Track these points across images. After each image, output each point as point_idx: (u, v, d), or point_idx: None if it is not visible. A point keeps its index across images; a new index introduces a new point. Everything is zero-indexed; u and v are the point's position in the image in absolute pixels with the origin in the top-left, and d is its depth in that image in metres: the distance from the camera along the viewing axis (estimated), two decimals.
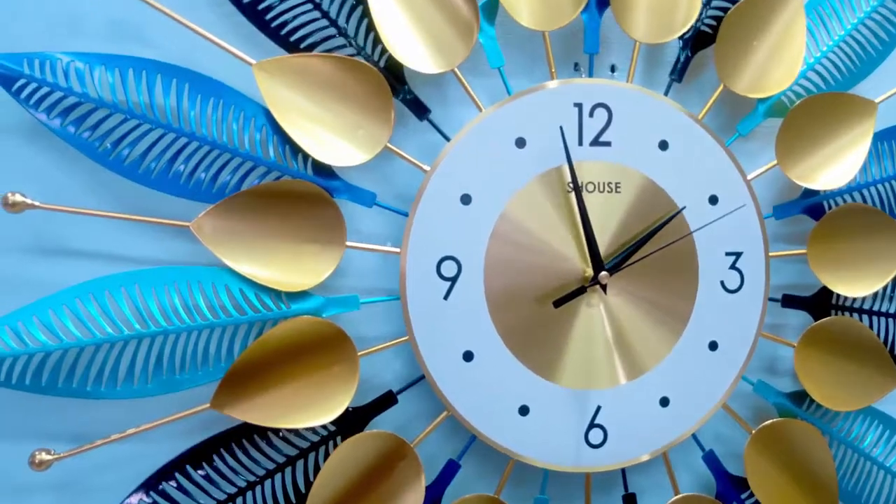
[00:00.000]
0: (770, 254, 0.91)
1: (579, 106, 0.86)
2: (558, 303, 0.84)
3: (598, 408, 0.87)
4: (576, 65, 0.92)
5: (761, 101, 0.93)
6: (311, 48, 0.81)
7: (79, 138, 0.74)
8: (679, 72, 0.91)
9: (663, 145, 0.88)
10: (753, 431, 0.92)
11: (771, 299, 0.94)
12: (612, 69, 0.93)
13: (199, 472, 0.78)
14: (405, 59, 0.81)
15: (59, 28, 0.78)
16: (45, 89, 0.73)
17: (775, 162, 0.92)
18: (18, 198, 0.72)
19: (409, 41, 0.81)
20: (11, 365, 0.71)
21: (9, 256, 0.77)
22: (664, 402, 0.89)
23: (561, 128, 0.84)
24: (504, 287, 0.84)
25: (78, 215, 0.75)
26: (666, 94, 0.91)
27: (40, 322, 0.72)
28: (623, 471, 0.90)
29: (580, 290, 0.84)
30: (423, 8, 0.82)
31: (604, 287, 0.84)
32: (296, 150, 0.80)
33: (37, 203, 0.73)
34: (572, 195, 0.85)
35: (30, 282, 0.77)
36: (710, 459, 0.92)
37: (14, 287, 0.76)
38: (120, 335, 0.74)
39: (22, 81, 0.72)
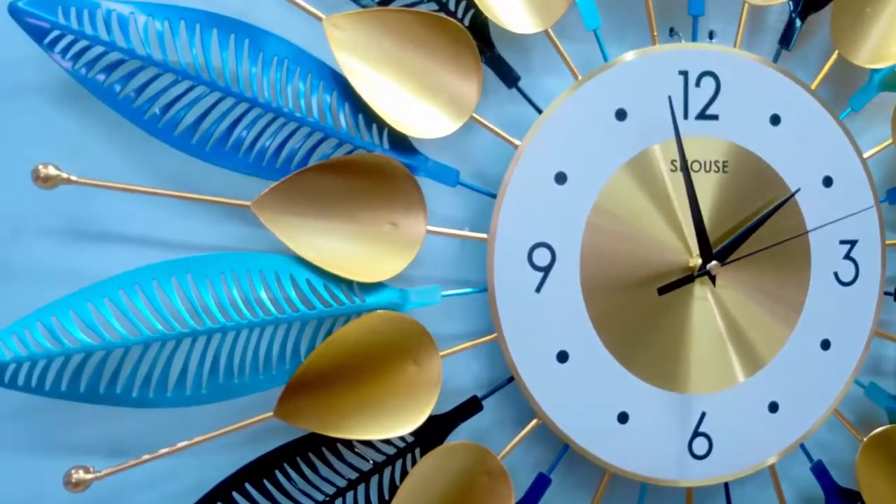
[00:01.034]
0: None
1: (685, 74, 0.76)
2: (663, 290, 0.74)
3: (703, 414, 0.77)
4: (671, 30, 0.82)
5: (875, 71, 0.84)
6: (387, 2, 0.71)
7: (123, 101, 0.62)
8: (787, 38, 0.82)
9: (774, 120, 0.78)
10: (865, 439, 0.83)
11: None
12: (711, 35, 0.83)
13: (259, 491, 0.67)
14: (496, 15, 0.70)
15: None
16: (83, 42, 0.61)
17: (890, 141, 0.84)
18: (52, 170, 0.61)
19: None
20: (45, 368, 0.60)
21: (40, 240, 0.65)
22: (773, 407, 0.79)
23: (669, 98, 0.74)
24: (602, 278, 0.74)
25: (120, 192, 0.64)
26: (774, 61, 0.82)
27: (78, 317, 0.61)
28: (726, 485, 0.81)
29: (689, 279, 0.75)
30: None
31: (713, 278, 0.75)
32: (370, 119, 0.69)
33: (73, 177, 0.62)
34: (677, 175, 0.76)
35: (65, 270, 0.65)
36: (820, 471, 0.83)
37: (47, 276, 0.65)
38: (171, 333, 0.63)
39: (56, 33, 0.61)
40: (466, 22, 0.72)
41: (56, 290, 0.63)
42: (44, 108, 0.65)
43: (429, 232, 0.70)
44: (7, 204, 0.65)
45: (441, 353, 0.70)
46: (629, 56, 0.74)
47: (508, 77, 0.73)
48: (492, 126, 0.72)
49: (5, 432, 0.65)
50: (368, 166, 0.67)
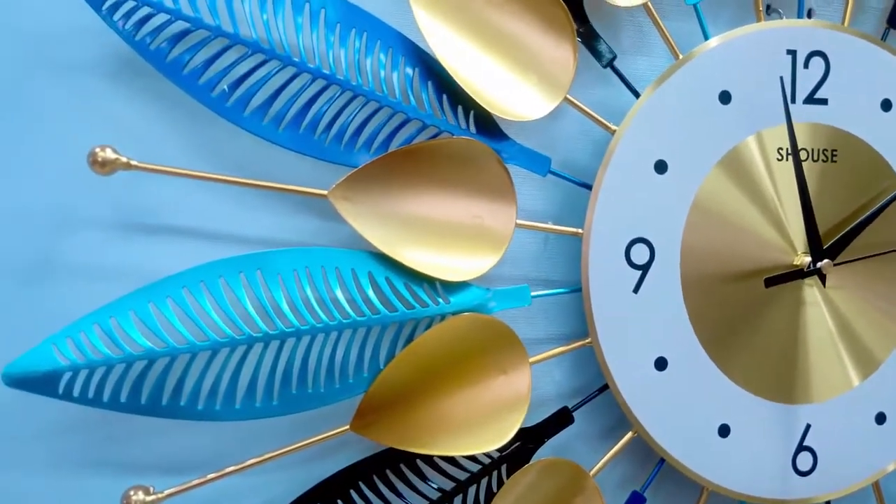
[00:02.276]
0: None
1: (793, 54, 0.69)
2: (771, 281, 0.68)
3: (808, 427, 0.71)
4: (768, 7, 0.75)
5: None
6: None
7: (188, 76, 0.56)
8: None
9: (886, 105, 0.72)
10: None
11: None
12: (809, 14, 0.76)
13: None
14: None
15: None
16: (145, 9, 0.54)
17: None
18: (110, 154, 0.54)
19: None
20: (103, 377, 0.53)
21: (92, 231, 0.58)
22: (880, 418, 0.73)
23: (781, 79, 0.67)
24: (703, 278, 0.67)
25: (182, 179, 0.57)
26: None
27: (139, 320, 0.54)
28: (828, 503, 0.75)
29: (798, 273, 0.68)
30: None
31: (823, 277, 0.69)
32: (455, 99, 0.62)
33: (133, 161, 0.55)
34: (782, 164, 0.69)
35: (120, 266, 0.58)
36: None
37: (99, 272, 0.58)
38: (241, 337, 0.56)
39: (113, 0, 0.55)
40: None
41: (110, 287, 0.56)
42: (98, 85, 0.58)
43: (522, 226, 0.64)
44: (56, 191, 0.58)
45: (530, 360, 0.64)
46: (733, 34, 0.68)
47: (603, 56, 0.67)
48: (587, 109, 0.66)
49: (56, 449, 0.58)
50: (455, 152, 0.61)
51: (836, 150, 0.71)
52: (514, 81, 0.62)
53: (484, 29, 0.61)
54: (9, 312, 0.57)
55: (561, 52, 0.63)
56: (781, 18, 0.73)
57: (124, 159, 0.55)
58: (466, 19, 0.61)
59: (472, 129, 0.63)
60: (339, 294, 0.59)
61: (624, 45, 0.71)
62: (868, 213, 0.70)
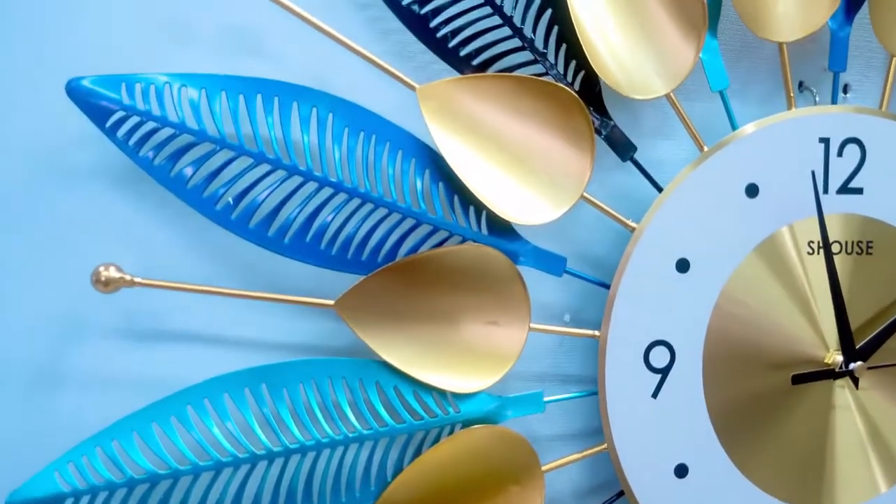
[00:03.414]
0: None
1: (825, 142, 0.66)
2: (798, 378, 0.65)
3: None
4: (801, 84, 0.72)
5: None
6: (485, 66, 0.61)
7: (192, 191, 0.55)
8: None
9: None
10: None
11: None
12: (846, 89, 0.72)
13: None
14: (612, 77, 0.61)
15: (161, 35, 0.58)
16: (150, 124, 0.53)
17: None
18: (113, 272, 0.53)
19: (620, 54, 0.61)
20: (106, 501, 0.52)
21: (97, 341, 0.57)
22: None
23: (813, 173, 0.64)
24: (727, 381, 0.64)
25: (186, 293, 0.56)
26: None
27: (142, 441, 0.53)
28: None
29: (828, 373, 0.65)
30: (648, 9, 0.61)
31: (856, 380, 0.66)
32: (467, 201, 0.60)
33: (137, 279, 0.54)
34: (814, 258, 0.66)
35: (125, 375, 0.58)
36: None
37: (104, 382, 0.57)
38: (245, 455, 0.55)
39: (119, 115, 0.53)
40: (577, 86, 0.63)
41: (118, 396, 0.56)
42: (102, 194, 0.57)
43: (536, 330, 0.62)
44: (60, 300, 0.57)
45: (544, 468, 0.62)
46: (762, 123, 0.65)
47: (623, 148, 0.65)
48: (604, 206, 0.63)
49: None
50: (466, 259, 0.59)
51: (871, 242, 0.67)
52: (526, 185, 0.59)
53: (497, 136, 0.59)
54: (17, 422, 0.57)
55: (578, 152, 0.60)
56: (814, 97, 0.70)
57: (128, 277, 0.54)
58: (480, 132, 0.59)
59: (485, 230, 0.61)
60: (346, 406, 0.58)
61: (646, 128, 0.68)
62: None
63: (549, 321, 0.67)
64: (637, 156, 0.65)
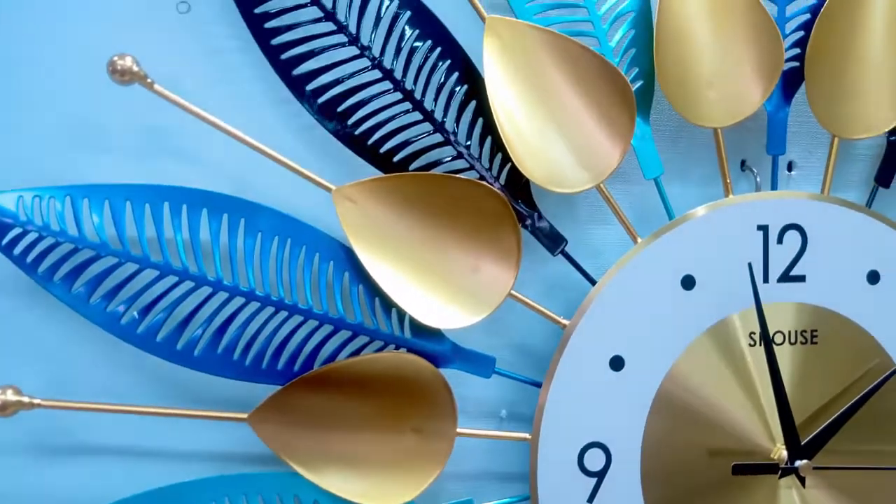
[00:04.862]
0: None
1: (764, 229, 0.64)
2: (740, 469, 0.62)
3: None
4: (743, 163, 0.70)
5: None
6: (406, 163, 0.59)
7: (95, 307, 0.53)
8: (886, 175, 0.68)
9: (873, 277, 0.66)
10: None
11: None
12: (790, 167, 0.70)
13: None
14: (536, 174, 0.58)
15: (74, 140, 0.56)
16: (48, 240, 0.52)
17: None
18: (11, 396, 0.52)
19: (544, 148, 0.59)
20: None
21: (3, 463, 0.55)
22: None
23: (749, 265, 0.62)
24: (668, 478, 0.61)
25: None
26: (869, 204, 0.69)
27: None
28: None
29: (772, 467, 0.62)
30: (562, 101, 0.59)
31: (802, 479, 0.63)
32: (388, 304, 0.59)
33: (37, 401, 0.52)
34: (755, 350, 0.64)
35: (35, 495, 0.56)
36: None
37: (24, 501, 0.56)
38: None
39: (15, 231, 0.51)
40: (503, 179, 0.61)
41: None
42: (2, 305, 0.55)
43: (463, 435, 0.60)
44: None
45: None
46: (698, 211, 0.62)
47: (553, 242, 0.62)
48: (533, 304, 0.61)
49: None
50: (386, 366, 0.57)
51: (815, 331, 0.65)
52: (447, 290, 0.57)
53: (416, 238, 0.57)
54: None
55: (502, 252, 0.58)
56: (756, 178, 0.68)
57: (26, 400, 0.51)
58: (397, 234, 0.56)
59: (408, 333, 0.59)
60: None
61: (582, 214, 0.66)
62: (853, 401, 0.64)
63: (485, 417, 0.65)
64: (574, 242, 0.64)
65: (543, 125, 0.59)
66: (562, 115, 0.59)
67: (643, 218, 0.66)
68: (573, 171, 0.59)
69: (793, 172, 0.71)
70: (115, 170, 0.57)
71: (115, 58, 0.52)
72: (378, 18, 0.57)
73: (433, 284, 0.57)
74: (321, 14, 0.57)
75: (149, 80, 0.52)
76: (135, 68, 0.52)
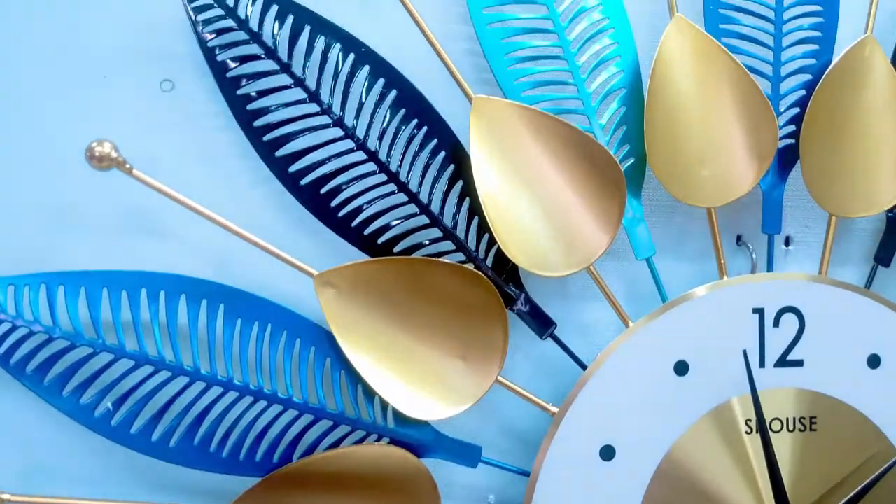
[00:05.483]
0: None
1: (760, 312, 0.62)
2: None
3: None
4: (739, 238, 0.68)
5: None
6: (390, 246, 0.58)
7: (67, 399, 0.51)
8: (886, 254, 0.67)
9: (873, 361, 0.64)
10: None
11: None
12: (787, 242, 0.68)
13: None
14: (523, 258, 0.57)
15: (54, 217, 0.56)
16: (22, 329, 0.50)
17: None
18: None
19: (528, 232, 0.58)
20: None
21: None
22: None
23: (745, 353, 0.61)
24: None
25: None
26: (868, 285, 0.67)
27: None
28: None
29: None
30: (548, 184, 0.58)
31: None
32: (371, 392, 0.57)
33: (5, 496, 0.51)
34: (752, 438, 0.62)
35: None
36: None
37: None
38: None
39: None
40: (489, 261, 0.60)
41: None
42: None
43: None
44: None
45: None
46: (691, 294, 0.61)
47: (541, 325, 0.61)
48: (521, 390, 0.59)
49: None
50: (367, 459, 0.55)
51: (814, 418, 0.62)
52: (431, 380, 0.56)
53: (398, 326, 0.55)
54: None
55: (489, 339, 0.56)
56: (752, 254, 0.67)
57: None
58: (378, 321, 0.55)
59: (391, 422, 0.57)
60: None
61: (573, 291, 0.65)
62: (854, 491, 0.62)
63: (473, 502, 0.63)
64: (564, 319, 0.62)
65: (528, 208, 0.57)
66: (547, 198, 0.58)
67: (635, 296, 0.65)
68: (559, 255, 0.58)
69: (790, 247, 0.69)
70: (93, 253, 0.56)
71: (94, 144, 0.51)
72: (361, 102, 0.57)
73: (416, 374, 0.56)
74: (304, 95, 0.56)
75: (127, 166, 0.52)
76: (113, 154, 0.51)
